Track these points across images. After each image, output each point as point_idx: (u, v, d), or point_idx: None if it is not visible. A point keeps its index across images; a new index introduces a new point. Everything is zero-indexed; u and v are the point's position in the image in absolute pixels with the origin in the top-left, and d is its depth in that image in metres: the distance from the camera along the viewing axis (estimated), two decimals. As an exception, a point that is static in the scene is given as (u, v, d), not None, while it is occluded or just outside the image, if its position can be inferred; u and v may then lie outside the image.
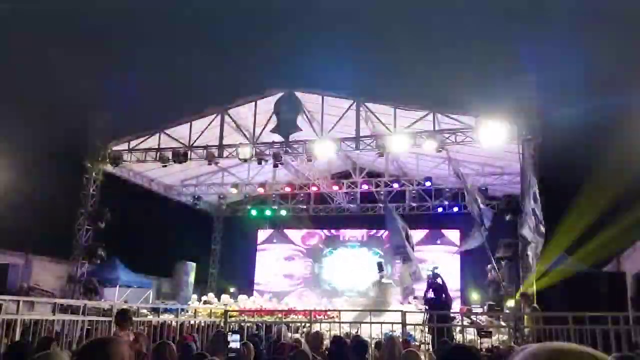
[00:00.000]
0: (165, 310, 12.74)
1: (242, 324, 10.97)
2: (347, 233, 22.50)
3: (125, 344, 1.80)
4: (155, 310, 12.24)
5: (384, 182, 18.27)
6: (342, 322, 9.65)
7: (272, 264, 22.66)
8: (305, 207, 21.94)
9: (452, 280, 17.45)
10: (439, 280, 11.44)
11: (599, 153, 14.94)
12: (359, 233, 22.33)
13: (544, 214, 11.89)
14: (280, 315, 12.14)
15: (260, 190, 19.30)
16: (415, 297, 14.64)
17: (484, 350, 5.23)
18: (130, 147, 16.96)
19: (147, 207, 18.79)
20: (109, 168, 17.10)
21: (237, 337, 5.18)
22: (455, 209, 19.60)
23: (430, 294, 11.33)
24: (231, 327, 9.85)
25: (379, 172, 18.87)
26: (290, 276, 22.20)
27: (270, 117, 15.51)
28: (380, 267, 16.29)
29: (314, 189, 19.11)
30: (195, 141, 16.31)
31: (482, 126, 13.56)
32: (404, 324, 8.66)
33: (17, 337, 6.41)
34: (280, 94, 15.55)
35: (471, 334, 10.54)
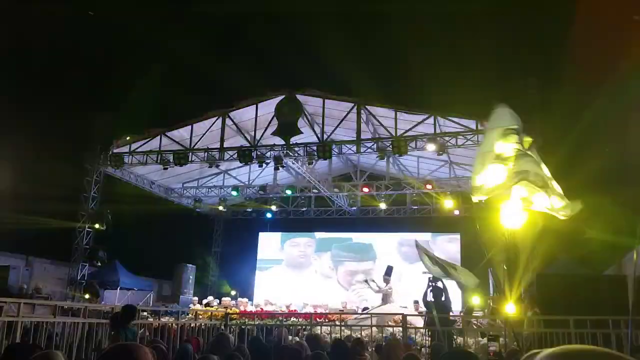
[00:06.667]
0: (166, 313, 12.74)
1: (243, 326, 10.98)
2: (347, 236, 22.49)
3: (149, 352, 1.81)
4: (156, 313, 12.23)
5: (384, 185, 18.27)
6: (343, 325, 9.65)
7: (273, 266, 22.63)
8: (306, 209, 21.92)
9: (452, 283, 17.37)
10: (439, 284, 11.37)
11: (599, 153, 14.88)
12: (361, 236, 22.31)
13: None
14: (281, 318, 12.13)
15: (261, 192, 19.30)
16: (415, 301, 14.59)
17: (491, 354, 5.26)
18: (131, 149, 16.99)
19: (148, 210, 18.79)
20: (109, 170, 17.13)
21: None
22: (456, 213, 19.57)
23: (430, 297, 11.27)
24: (232, 329, 9.87)
25: (380, 175, 18.89)
26: (290, 278, 22.15)
27: (272, 119, 15.52)
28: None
29: (315, 191, 19.11)
30: (196, 144, 16.34)
31: (483, 129, 13.55)
32: (404, 327, 8.67)
33: (18, 340, 6.40)
34: (281, 97, 15.57)
35: (472, 338, 10.52)
